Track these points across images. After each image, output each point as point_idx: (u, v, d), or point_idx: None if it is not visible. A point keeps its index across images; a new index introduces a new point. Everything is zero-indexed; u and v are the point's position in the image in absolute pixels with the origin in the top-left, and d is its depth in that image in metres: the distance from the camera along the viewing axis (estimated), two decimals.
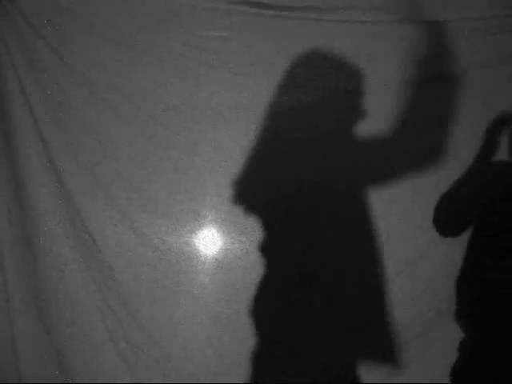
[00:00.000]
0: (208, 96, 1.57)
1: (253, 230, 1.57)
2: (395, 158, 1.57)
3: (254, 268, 1.56)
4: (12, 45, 1.52)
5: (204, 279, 1.58)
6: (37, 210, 1.55)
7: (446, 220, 1.47)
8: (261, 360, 1.53)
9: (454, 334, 1.40)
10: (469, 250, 1.42)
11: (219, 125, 1.58)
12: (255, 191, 1.59)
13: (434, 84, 1.56)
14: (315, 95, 1.58)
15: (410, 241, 1.58)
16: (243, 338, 1.55)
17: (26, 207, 1.55)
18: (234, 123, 1.58)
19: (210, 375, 1.56)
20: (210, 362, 1.56)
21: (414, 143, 1.56)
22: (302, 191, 1.58)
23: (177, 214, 1.57)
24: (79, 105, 1.56)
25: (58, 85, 1.55)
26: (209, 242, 1.59)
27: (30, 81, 1.53)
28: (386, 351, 1.56)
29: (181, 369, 1.56)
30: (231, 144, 1.58)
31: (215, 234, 1.59)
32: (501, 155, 1.56)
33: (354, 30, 1.54)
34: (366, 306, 1.57)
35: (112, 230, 1.56)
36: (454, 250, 1.47)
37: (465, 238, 1.45)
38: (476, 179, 1.50)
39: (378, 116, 1.54)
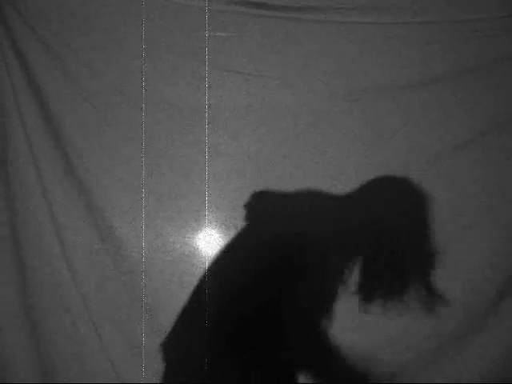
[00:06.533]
0: (208, 96, 1.57)
1: None
2: None
3: None
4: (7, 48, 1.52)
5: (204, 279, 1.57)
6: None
7: None
8: None
9: None
10: None
11: (219, 125, 1.58)
12: None
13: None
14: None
15: None
16: None
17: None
18: (233, 123, 1.59)
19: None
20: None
21: None
22: None
23: (177, 215, 1.58)
24: (77, 106, 1.56)
25: (56, 88, 1.55)
26: (209, 242, 1.59)
27: (24, 84, 1.53)
28: None
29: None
30: (231, 143, 1.59)
31: (216, 235, 1.59)
32: None
33: (355, 31, 1.55)
34: None
35: (111, 231, 1.57)
36: None
37: None
38: None
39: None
